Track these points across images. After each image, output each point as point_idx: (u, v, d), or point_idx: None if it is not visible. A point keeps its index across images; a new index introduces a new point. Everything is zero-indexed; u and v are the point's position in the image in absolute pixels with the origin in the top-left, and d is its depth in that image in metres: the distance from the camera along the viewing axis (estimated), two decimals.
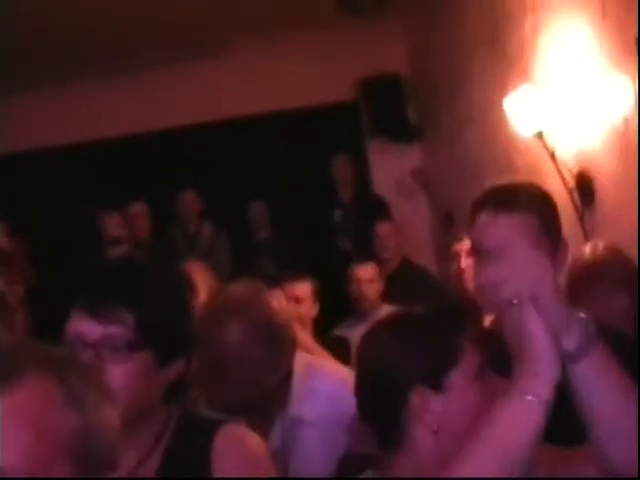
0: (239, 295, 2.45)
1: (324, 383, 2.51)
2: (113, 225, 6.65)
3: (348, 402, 2.28)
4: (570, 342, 1.49)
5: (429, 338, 1.68)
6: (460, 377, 1.66)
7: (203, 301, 2.53)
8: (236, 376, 2.31)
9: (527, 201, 2.06)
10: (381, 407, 1.71)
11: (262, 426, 2.34)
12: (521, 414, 1.45)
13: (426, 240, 7.88)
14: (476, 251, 2.07)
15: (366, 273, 5.55)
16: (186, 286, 1.81)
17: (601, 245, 2.87)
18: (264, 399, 2.39)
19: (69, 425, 1.16)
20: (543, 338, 1.47)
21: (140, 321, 1.66)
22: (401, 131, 7.86)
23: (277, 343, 2.37)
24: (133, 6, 6.60)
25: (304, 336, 4.46)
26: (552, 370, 1.47)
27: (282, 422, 2.44)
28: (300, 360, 2.51)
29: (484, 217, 2.05)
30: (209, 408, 2.38)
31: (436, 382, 1.65)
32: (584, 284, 2.63)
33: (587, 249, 2.84)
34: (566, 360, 1.49)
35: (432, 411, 1.65)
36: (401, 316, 1.79)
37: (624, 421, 1.51)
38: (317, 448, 2.42)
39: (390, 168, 7.99)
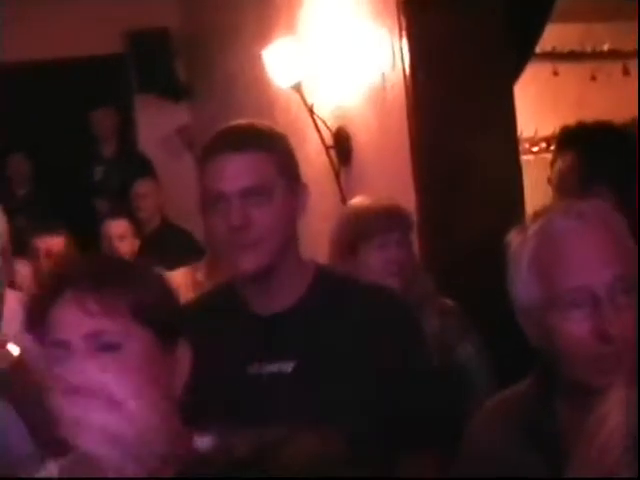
0: None
1: None
2: None
3: None
4: None
5: None
6: None
7: None
8: None
9: (260, 140, 1.94)
10: None
11: None
12: None
13: (191, 201, 7.63)
14: (211, 198, 1.92)
15: (118, 229, 5.28)
16: None
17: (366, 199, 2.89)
18: None
19: None
20: None
21: None
22: (169, 87, 7.53)
23: None
24: None
25: None
26: None
27: None
28: None
29: (219, 161, 1.89)
30: None
31: None
32: (349, 240, 2.70)
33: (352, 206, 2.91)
34: None
35: None
36: None
37: None
38: None
39: (157, 125, 7.64)
